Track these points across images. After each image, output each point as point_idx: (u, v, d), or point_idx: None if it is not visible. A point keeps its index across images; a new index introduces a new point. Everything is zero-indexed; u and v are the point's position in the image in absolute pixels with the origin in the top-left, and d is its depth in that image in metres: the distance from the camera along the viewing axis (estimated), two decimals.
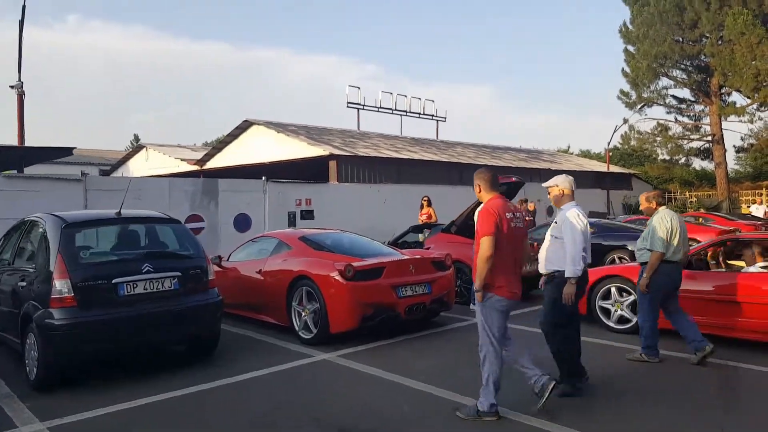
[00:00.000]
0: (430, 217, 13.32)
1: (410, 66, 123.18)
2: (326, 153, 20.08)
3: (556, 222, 4.53)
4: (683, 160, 39.11)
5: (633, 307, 6.33)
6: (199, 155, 26.96)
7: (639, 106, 32.88)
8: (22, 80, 13.85)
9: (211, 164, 25.20)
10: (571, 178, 4.75)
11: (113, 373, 5.36)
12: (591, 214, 32.32)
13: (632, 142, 37.74)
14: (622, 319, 6.47)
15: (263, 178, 17.82)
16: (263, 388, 4.93)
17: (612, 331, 6.47)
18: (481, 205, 4.06)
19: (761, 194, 31.12)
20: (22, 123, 13.67)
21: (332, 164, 20.37)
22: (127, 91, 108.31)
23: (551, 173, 30.24)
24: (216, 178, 16.87)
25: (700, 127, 34.24)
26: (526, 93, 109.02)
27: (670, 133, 35.21)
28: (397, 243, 10.50)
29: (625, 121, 33.87)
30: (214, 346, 5.94)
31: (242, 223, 16.50)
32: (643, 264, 5.39)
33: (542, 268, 4.56)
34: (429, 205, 14.00)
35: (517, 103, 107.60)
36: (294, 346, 6.21)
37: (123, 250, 5.59)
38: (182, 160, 27.37)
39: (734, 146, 37.43)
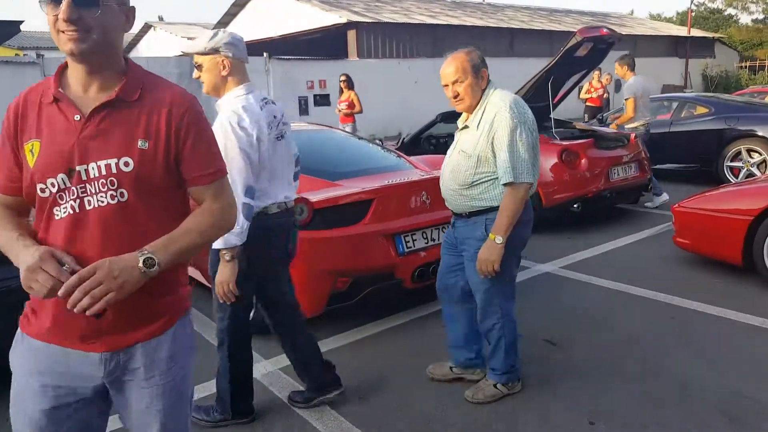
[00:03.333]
0: (352, 105, 8.90)
1: None
2: (343, 20, 16.44)
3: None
4: None
5: None
6: None
7: None
8: None
9: None
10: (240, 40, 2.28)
11: None
12: (665, 88, 27.94)
13: (719, 0, 31.86)
14: None
15: (264, 54, 14.69)
16: None
17: None
18: None
19: None
20: None
21: (351, 35, 16.83)
22: None
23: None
24: None
25: None
26: None
27: None
28: (419, 142, 7.10)
29: None
30: None
31: None
32: (475, 213, 2.49)
33: None
34: (349, 87, 9.06)
35: None
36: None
37: None
38: (190, 39, 24.10)
39: None
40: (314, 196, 3.08)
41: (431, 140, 6.97)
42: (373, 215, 3.15)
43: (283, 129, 2.35)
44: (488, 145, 2.37)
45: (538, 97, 5.90)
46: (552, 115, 6.03)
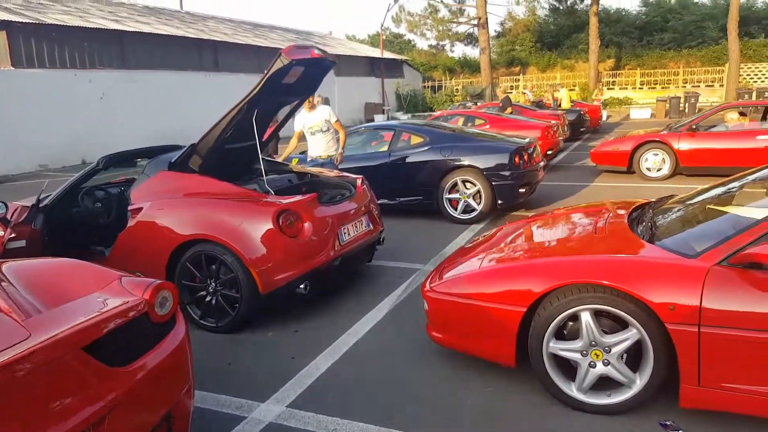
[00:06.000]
0: None
1: None
2: None
3: None
4: (448, 45, 38.84)
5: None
6: None
7: None
8: None
9: None
10: None
11: None
12: (367, 107, 29.71)
13: (403, 25, 35.67)
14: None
15: None
16: None
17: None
18: None
19: (530, 80, 31.92)
20: None
21: (1, 37, 12.92)
22: None
23: None
24: None
25: (464, 10, 33.51)
26: None
27: (440, 15, 33.89)
28: (76, 198, 4.67)
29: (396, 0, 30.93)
30: None
31: None
32: None
33: None
34: None
35: None
36: None
37: None
38: None
39: (495, 31, 37.90)
40: None
41: (96, 195, 4.87)
42: None
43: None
44: None
45: (242, 135, 4.45)
46: (261, 157, 4.62)
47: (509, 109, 12.39)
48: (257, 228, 3.77)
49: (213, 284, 3.89)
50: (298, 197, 4.02)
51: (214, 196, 4.04)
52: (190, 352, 2.39)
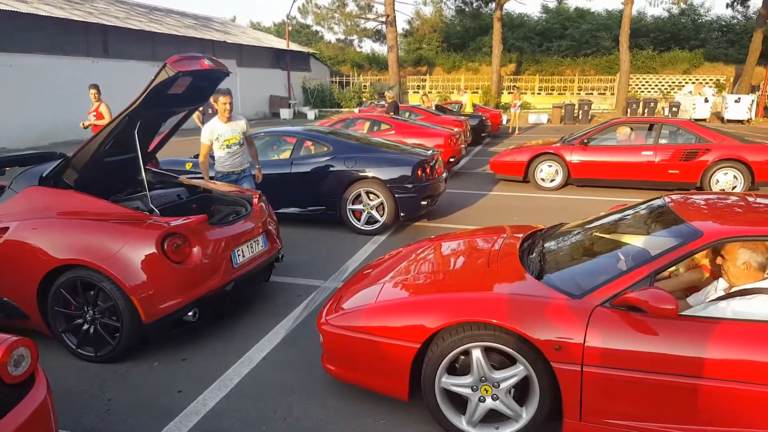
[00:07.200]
0: None
1: None
2: None
3: None
4: (356, 40, 38.79)
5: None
6: None
7: None
8: None
9: None
10: None
11: None
12: (272, 99, 28.95)
13: (310, 16, 35.11)
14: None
15: None
16: None
17: None
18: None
19: (436, 81, 32.52)
20: None
21: None
22: None
23: (227, 47, 25.09)
24: None
25: (373, 6, 33.58)
26: None
27: (348, 10, 33.69)
28: None
29: None
30: None
31: None
32: None
33: None
34: None
35: None
36: None
37: None
38: None
39: (403, 29, 38.28)
40: None
41: None
42: None
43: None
44: None
45: (123, 147, 4.09)
46: (143, 174, 4.26)
47: (390, 114, 12.43)
48: (138, 253, 3.47)
49: (90, 312, 3.54)
50: (185, 219, 3.75)
51: (91, 216, 3.67)
52: (53, 413, 2.13)
